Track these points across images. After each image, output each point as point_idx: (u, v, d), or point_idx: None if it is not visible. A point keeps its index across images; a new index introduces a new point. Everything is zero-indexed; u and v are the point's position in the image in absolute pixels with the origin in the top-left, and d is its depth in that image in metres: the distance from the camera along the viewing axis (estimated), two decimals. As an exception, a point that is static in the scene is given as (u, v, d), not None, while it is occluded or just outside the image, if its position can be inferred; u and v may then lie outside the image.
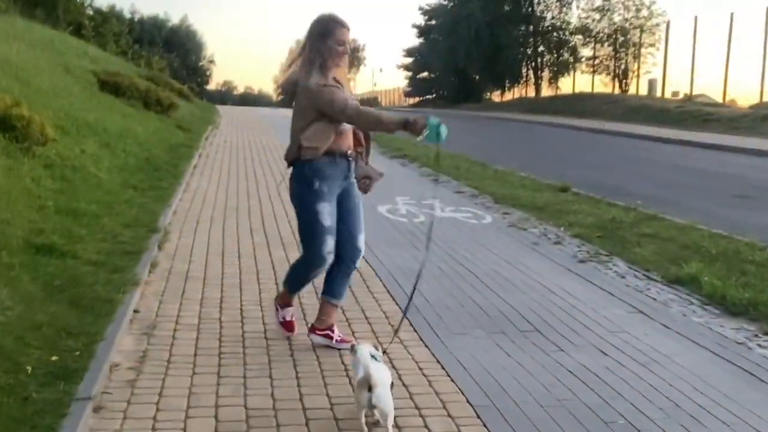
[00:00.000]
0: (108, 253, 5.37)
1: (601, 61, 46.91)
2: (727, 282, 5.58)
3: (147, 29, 66.89)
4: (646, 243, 7.07)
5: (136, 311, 4.45)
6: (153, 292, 4.91)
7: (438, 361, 3.98)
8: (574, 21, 49.76)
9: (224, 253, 6.14)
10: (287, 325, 4.27)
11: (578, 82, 48.68)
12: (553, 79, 52.63)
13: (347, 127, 3.92)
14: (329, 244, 3.94)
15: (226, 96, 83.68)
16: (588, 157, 17.51)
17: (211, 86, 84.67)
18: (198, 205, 8.31)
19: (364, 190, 4.19)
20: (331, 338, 4.13)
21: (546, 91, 52.26)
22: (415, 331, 4.47)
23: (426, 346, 4.21)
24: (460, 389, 3.61)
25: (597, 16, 46.33)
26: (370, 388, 2.97)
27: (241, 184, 10.11)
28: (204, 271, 5.53)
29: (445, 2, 58.57)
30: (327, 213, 3.90)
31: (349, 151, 3.97)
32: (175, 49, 69.45)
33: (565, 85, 51.37)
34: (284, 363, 3.83)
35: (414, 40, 67.66)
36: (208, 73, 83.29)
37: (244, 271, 5.62)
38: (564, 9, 50.52)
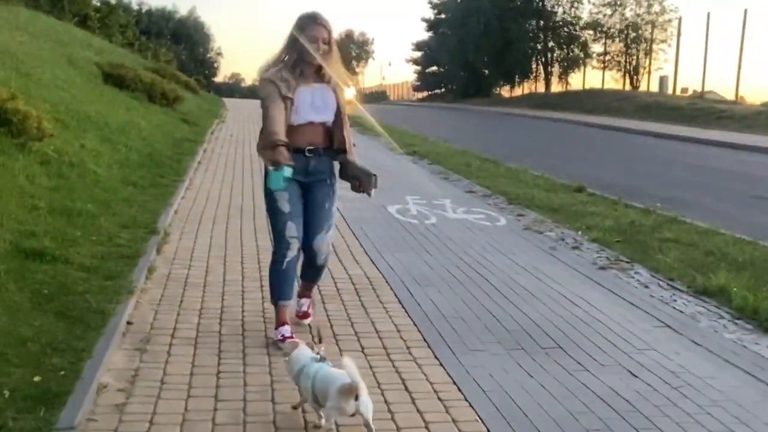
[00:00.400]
0: (103, 257, 5.07)
1: (612, 57, 46.42)
2: (759, 294, 5.25)
3: (155, 21, 66.61)
4: (668, 249, 6.74)
5: (129, 323, 4.14)
6: (149, 300, 4.60)
7: (454, 383, 3.67)
8: (585, 16, 49.28)
9: (226, 257, 5.83)
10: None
11: (588, 77, 48.25)
12: (563, 75, 52.16)
13: (303, 122, 4.01)
14: (291, 228, 4.04)
15: (234, 89, 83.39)
16: (601, 155, 17.16)
17: (219, 79, 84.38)
18: (201, 203, 7.99)
19: (358, 191, 4.19)
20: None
21: (556, 87, 51.83)
22: (429, 347, 4.15)
23: (441, 365, 3.89)
24: (480, 418, 3.29)
25: (608, 12, 45.80)
26: (356, 397, 2.88)
27: (246, 181, 9.79)
28: (204, 277, 5.21)
29: (455, -4, 58.04)
30: (285, 200, 4.01)
31: (308, 147, 4.04)
32: (182, 41, 69.16)
33: (575, 81, 50.93)
34: (288, 383, 3.51)
35: (423, 34, 67.27)
36: (215, 65, 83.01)
37: (246, 276, 5.31)
38: (575, 4, 50.05)
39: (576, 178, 11.29)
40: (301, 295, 4.48)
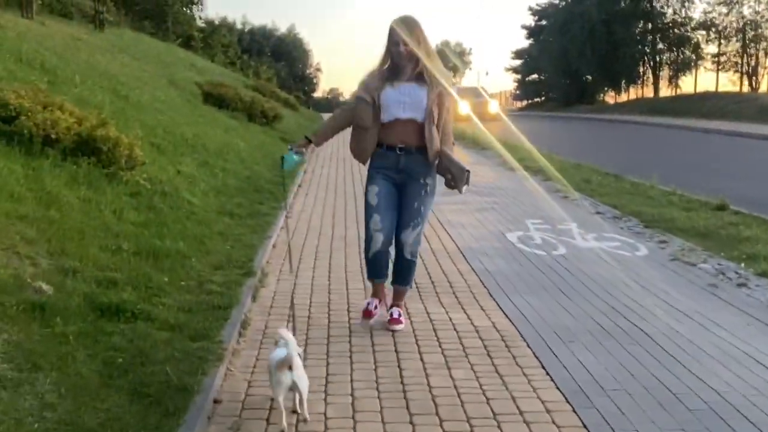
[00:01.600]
0: (190, 309, 4.37)
1: (729, 58, 43.65)
2: None
3: (256, 39, 68.11)
4: None
5: (216, 401, 3.39)
6: (241, 366, 3.86)
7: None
8: (697, 16, 46.62)
9: (330, 304, 5.04)
10: (365, 312, 4.65)
11: (700, 80, 45.55)
12: (673, 78, 49.53)
13: (391, 119, 4.26)
14: (375, 221, 4.40)
15: (333, 103, 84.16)
16: (731, 165, 15.53)
17: (318, 94, 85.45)
18: (301, 234, 7.29)
19: (450, 186, 4.44)
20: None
21: (665, 91, 49.26)
22: (590, 436, 3.20)
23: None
24: None
25: (724, 10, 43.10)
26: (290, 368, 3.11)
27: (349, 206, 9.06)
28: (306, 333, 4.43)
29: (557, 1, 56.34)
30: (374, 193, 4.41)
31: (399, 146, 4.30)
32: (282, 58, 70.40)
33: (686, 84, 48.25)
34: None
35: (523, 42, 65.65)
36: (314, 81, 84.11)
37: (354, 332, 4.48)
38: (686, 4, 47.44)
39: (711, 192, 9.96)
40: (393, 305, 4.64)
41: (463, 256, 6.54)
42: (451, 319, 4.76)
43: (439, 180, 4.50)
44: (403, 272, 4.61)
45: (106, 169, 6.55)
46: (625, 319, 4.81)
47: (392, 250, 4.57)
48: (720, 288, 5.60)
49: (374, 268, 4.61)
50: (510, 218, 8.55)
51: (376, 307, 4.65)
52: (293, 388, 3.16)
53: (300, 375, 3.17)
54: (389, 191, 4.39)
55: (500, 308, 5.04)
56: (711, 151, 18.92)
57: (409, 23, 4.22)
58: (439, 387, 3.65)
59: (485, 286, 5.56)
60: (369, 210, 4.42)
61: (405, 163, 4.33)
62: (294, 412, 3.28)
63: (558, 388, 3.70)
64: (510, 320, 4.75)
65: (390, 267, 4.65)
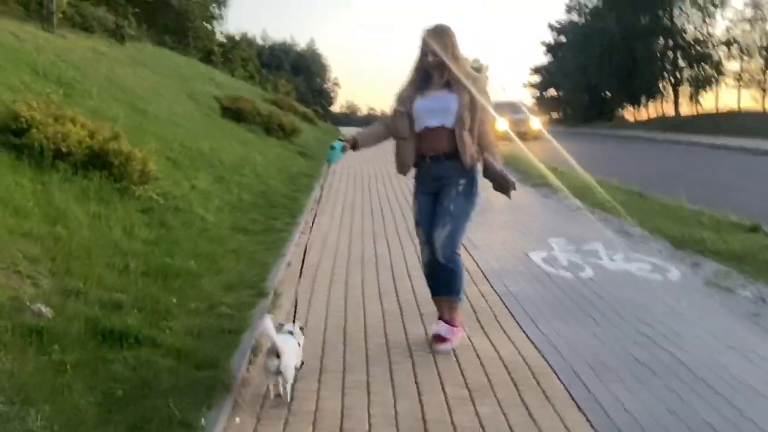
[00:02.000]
0: (199, 333, 4.13)
1: (751, 75, 43.11)
2: None
3: (275, 54, 68.37)
4: None
5: (222, 439, 3.14)
6: (251, 398, 3.59)
7: None
8: (718, 33, 46.15)
9: (346, 329, 4.77)
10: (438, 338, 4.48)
11: (721, 97, 45.03)
12: (694, 95, 48.99)
13: (422, 129, 4.27)
14: (420, 234, 4.48)
15: (350, 117, 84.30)
16: (759, 185, 15.13)
17: (336, 108, 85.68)
18: (317, 252, 7.04)
19: (498, 191, 4.46)
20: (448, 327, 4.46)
21: (685, 108, 48.75)
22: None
23: None
24: None
25: (747, 27, 42.63)
26: (277, 355, 3.35)
27: (366, 223, 8.81)
28: (320, 360, 4.17)
29: (577, 18, 56.11)
30: (416, 209, 4.48)
31: (431, 154, 4.28)
32: (301, 73, 70.64)
33: (707, 101, 47.71)
34: None
35: (542, 58, 65.41)
36: (332, 95, 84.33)
37: (371, 360, 4.21)
38: (707, 20, 46.98)
39: (742, 212, 9.62)
40: (439, 317, 4.54)
41: (485, 277, 6.26)
42: (474, 347, 4.48)
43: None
44: (442, 279, 4.44)
45: (117, 184, 6.37)
46: (662, 350, 4.50)
47: None
48: (762, 317, 5.27)
49: (428, 281, 4.58)
50: (532, 237, 8.26)
51: (443, 332, 4.47)
52: (278, 373, 3.40)
53: (286, 363, 3.39)
54: (429, 202, 4.39)
55: (527, 335, 4.75)
56: (735, 170, 18.50)
57: (438, 31, 4.24)
58: (464, 426, 3.37)
59: (510, 311, 5.28)
60: (415, 224, 4.53)
61: (436, 171, 4.31)
62: (278, 395, 3.50)
63: (593, 428, 3.40)
64: (537, 349, 4.46)
65: None
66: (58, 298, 3.91)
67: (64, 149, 6.05)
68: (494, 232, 8.38)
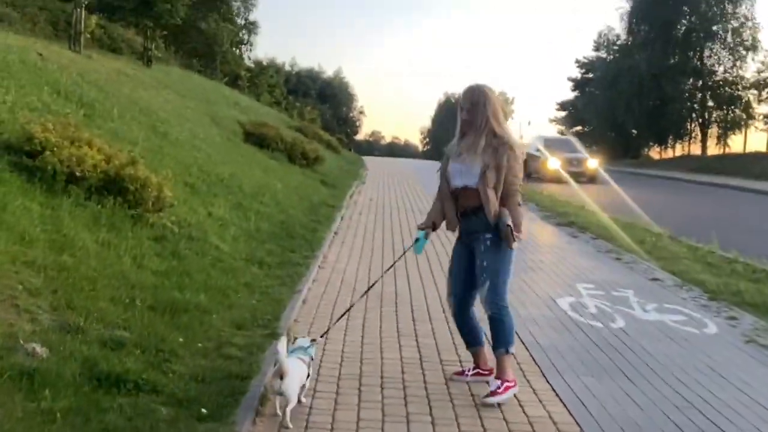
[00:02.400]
0: (203, 378, 3.86)
1: (782, 120, 42.52)
2: None
3: (302, 81, 68.84)
4: None
5: None
6: (256, 455, 3.31)
7: None
8: (749, 75, 45.62)
9: (362, 376, 4.47)
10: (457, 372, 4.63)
11: (750, 140, 44.36)
12: (722, 137, 48.37)
13: (454, 188, 4.43)
14: (449, 285, 4.64)
15: (374, 146, 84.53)
16: (792, 232, 14.66)
17: (360, 136, 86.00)
18: (334, 289, 6.75)
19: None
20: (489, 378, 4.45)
21: (712, 149, 48.10)
22: None
23: None
24: None
25: (778, 71, 42.14)
26: (281, 377, 3.48)
27: (386, 259, 8.51)
28: (332, 413, 3.86)
29: (605, 55, 55.87)
30: (451, 258, 4.64)
31: (461, 210, 4.44)
32: (327, 101, 71.03)
33: (735, 143, 47.08)
34: None
35: (568, 94, 65.13)
36: (357, 123, 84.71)
37: (388, 414, 3.90)
38: (737, 62, 46.49)
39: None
40: (474, 367, 4.63)
41: (511, 324, 5.92)
42: (499, 405, 4.16)
43: None
44: (492, 332, 4.42)
45: (132, 210, 6.17)
46: (702, 415, 4.15)
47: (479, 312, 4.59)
48: (808, 381, 4.90)
49: (460, 333, 4.69)
50: (559, 281, 7.93)
51: (469, 371, 4.62)
52: (281, 394, 3.51)
53: (289, 385, 3.50)
54: (461, 255, 4.54)
55: (555, 392, 4.43)
56: (764, 215, 18.02)
57: (472, 90, 4.41)
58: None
59: (537, 364, 4.95)
60: (447, 274, 4.72)
61: (467, 226, 4.44)
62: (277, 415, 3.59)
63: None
64: (568, 410, 4.13)
65: (480, 333, 4.63)
66: (56, 335, 3.66)
67: (78, 173, 5.86)
68: (519, 274, 8.01)
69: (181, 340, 4.26)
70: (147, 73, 17.93)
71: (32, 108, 7.31)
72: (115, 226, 5.66)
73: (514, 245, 4.29)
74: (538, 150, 25.41)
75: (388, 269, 5.51)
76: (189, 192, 8.32)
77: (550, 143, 26.84)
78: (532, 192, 17.77)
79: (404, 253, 5.20)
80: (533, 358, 5.07)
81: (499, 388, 4.24)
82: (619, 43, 53.80)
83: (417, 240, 4.52)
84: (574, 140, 29.87)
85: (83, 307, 4.09)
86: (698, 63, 47.61)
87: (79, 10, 15.32)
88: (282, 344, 3.60)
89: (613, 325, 6.11)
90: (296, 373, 3.62)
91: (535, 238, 11.24)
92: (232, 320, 4.98)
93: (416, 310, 6.24)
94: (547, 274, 8.32)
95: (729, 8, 45.51)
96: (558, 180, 23.31)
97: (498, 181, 4.29)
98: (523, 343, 5.39)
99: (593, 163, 26.78)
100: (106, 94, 10.82)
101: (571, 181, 22.32)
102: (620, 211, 15.03)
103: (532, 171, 25.25)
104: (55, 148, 5.89)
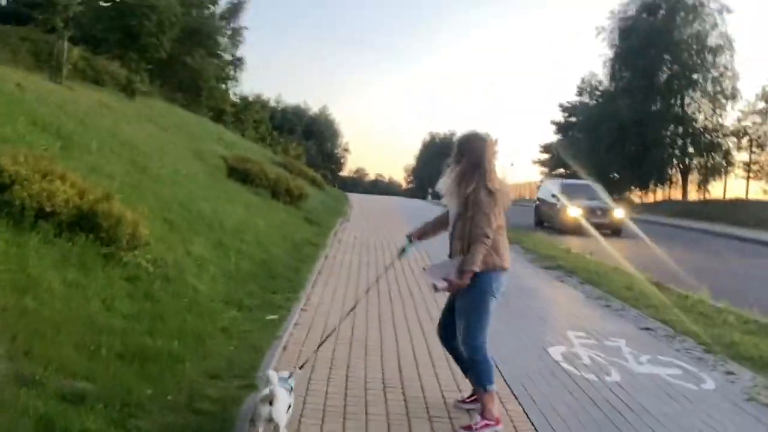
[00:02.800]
0: (171, 438, 3.53)
1: (761, 167, 42.91)
2: None
3: (288, 117, 68.93)
4: None
5: None
6: None
7: None
8: (729, 123, 46.22)
9: (345, 435, 4.16)
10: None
11: (730, 186, 44.70)
12: (703, 182, 48.77)
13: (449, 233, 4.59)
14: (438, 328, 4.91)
15: (358, 183, 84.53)
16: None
17: (344, 173, 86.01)
18: (316, 334, 6.41)
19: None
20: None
21: (693, 195, 48.46)
22: None
23: None
24: None
25: (758, 120, 42.66)
26: (271, 402, 3.52)
27: (371, 302, 8.20)
28: (312, 478, 3.54)
29: (588, 100, 56.57)
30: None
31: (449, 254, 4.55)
32: (313, 137, 71.13)
33: (715, 189, 47.45)
34: None
35: (551, 136, 65.70)
36: (342, 160, 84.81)
37: (372, 480, 3.60)
38: (717, 111, 47.10)
39: (764, 309, 9.09)
40: (471, 394, 4.77)
41: (501, 375, 5.62)
42: (493, 469, 3.85)
43: None
44: (470, 371, 4.62)
45: (104, 248, 5.85)
46: (708, 484, 3.87)
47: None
48: (815, 444, 4.64)
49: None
50: (549, 328, 7.67)
51: (469, 398, 4.81)
52: (271, 420, 3.54)
53: (279, 409, 3.55)
54: (450, 299, 4.70)
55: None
56: (755, 262, 17.93)
57: (459, 139, 4.69)
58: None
59: (531, 422, 4.66)
60: None
61: (450, 268, 4.48)
62: None
63: None
64: (565, 476, 3.83)
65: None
66: (10, 389, 3.32)
67: (48, 208, 5.55)
68: (508, 320, 7.75)
69: (149, 392, 3.93)
70: (130, 106, 17.69)
71: (5, 139, 7.01)
72: (85, 265, 5.34)
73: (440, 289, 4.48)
74: (554, 196, 23.36)
75: (368, 291, 5.78)
76: (167, 229, 8.00)
77: (570, 189, 23.75)
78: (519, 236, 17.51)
79: (392, 263, 5.92)
80: (527, 415, 4.77)
81: (476, 424, 4.36)
82: (601, 88, 54.45)
83: (403, 250, 4.84)
84: (597, 186, 25.58)
85: (43, 356, 3.76)
86: (680, 110, 48.17)
87: (62, 41, 15.12)
88: (273, 372, 3.69)
89: (608, 379, 5.82)
90: (285, 400, 3.67)
91: (522, 281, 10.97)
92: (207, 370, 4.65)
93: (403, 360, 5.93)
94: (536, 321, 8.06)
95: (709, 58, 46.20)
96: (578, 231, 20.90)
97: (454, 226, 4.50)
98: (516, 398, 5.11)
99: (620, 213, 23.28)
100: (86, 127, 10.53)
101: (596, 233, 19.85)
102: (675, 279, 12.25)
103: (545, 219, 24.07)
104: (25, 182, 5.59)
